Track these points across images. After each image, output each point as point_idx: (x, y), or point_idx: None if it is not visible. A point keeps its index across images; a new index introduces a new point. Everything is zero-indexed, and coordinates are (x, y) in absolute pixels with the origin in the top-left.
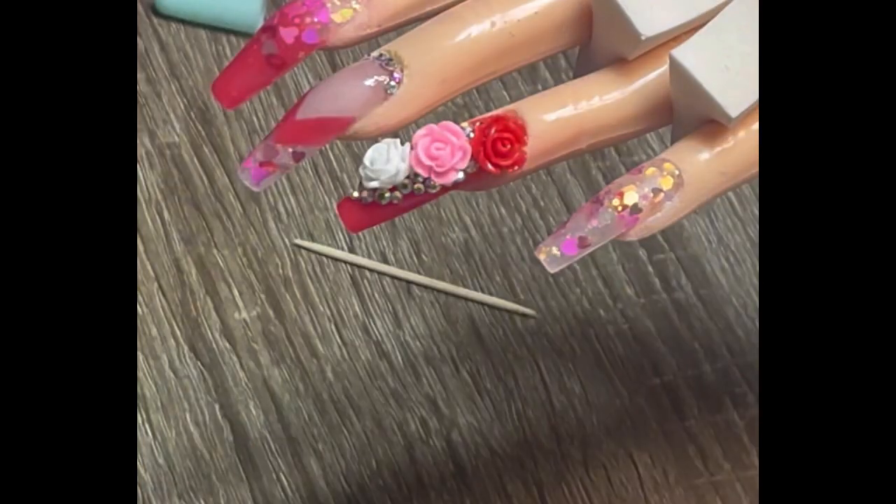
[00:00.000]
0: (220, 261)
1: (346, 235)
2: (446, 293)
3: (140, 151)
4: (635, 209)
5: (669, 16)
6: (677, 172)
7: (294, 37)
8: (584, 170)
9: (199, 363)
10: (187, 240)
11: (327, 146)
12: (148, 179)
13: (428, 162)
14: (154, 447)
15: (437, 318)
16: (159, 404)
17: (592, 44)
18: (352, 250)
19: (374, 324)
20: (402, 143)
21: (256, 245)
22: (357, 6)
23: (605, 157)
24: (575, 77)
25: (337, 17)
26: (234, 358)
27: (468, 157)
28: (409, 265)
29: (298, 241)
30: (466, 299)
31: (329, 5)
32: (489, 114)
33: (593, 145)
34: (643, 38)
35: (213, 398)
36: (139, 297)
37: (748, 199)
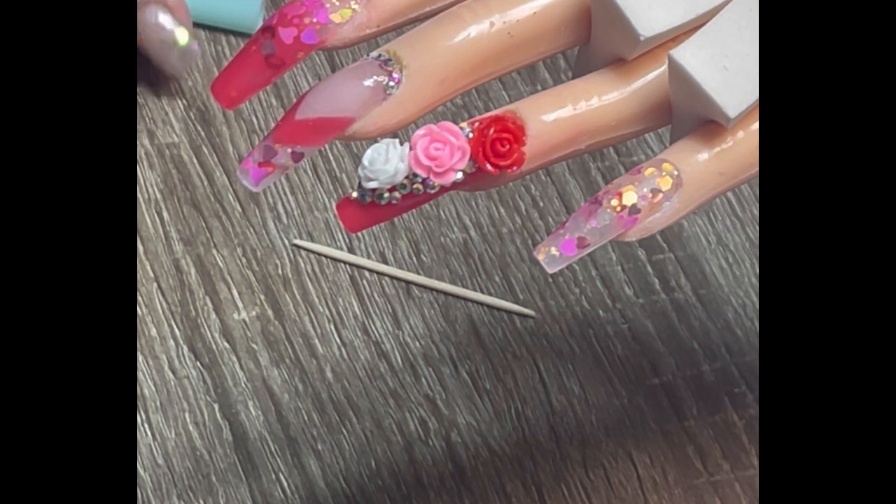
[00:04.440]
0: (219, 261)
1: (346, 236)
2: (445, 293)
3: (139, 152)
4: (634, 209)
5: (668, 16)
6: (676, 173)
7: (293, 37)
8: (583, 170)
9: (198, 363)
10: (187, 240)
11: (326, 146)
12: (147, 180)
13: (427, 162)
14: (153, 447)
15: (437, 319)
16: (158, 404)
17: (591, 44)
18: (351, 250)
19: (374, 324)
20: (401, 144)
21: (256, 245)
22: (356, 6)
23: (604, 158)
24: (574, 77)
25: (336, 18)
26: (234, 358)
27: (467, 157)
28: (408, 265)
29: (298, 242)
30: (466, 299)
31: (328, 5)
32: (488, 114)
33: (592, 145)
34: (642, 38)
35: (212, 398)
36: (139, 298)
37: (747, 199)
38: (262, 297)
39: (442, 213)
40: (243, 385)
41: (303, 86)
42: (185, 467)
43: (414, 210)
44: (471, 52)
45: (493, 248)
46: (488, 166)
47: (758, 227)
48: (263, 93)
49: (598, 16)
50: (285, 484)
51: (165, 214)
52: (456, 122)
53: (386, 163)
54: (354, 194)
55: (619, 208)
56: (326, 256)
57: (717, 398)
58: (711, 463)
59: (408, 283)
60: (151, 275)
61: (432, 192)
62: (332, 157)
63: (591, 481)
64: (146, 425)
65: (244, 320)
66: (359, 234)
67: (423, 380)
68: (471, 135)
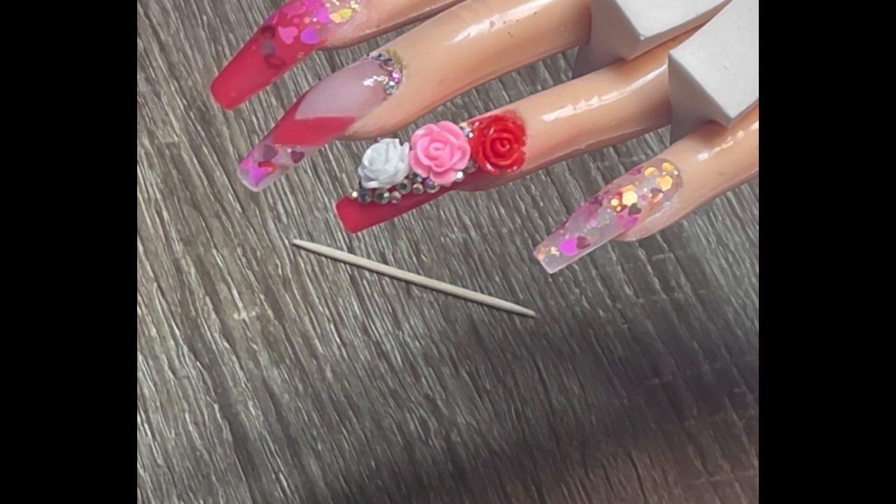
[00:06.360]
0: (219, 261)
1: (346, 235)
2: (445, 293)
3: (139, 152)
4: (634, 209)
5: (668, 16)
6: (676, 173)
7: (293, 37)
8: (583, 170)
9: (198, 363)
10: (186, 240)
11: (326, 146)
12: (147, 180)
13: (427, 162)
14: (153, 447)
15: (437, 319)
16: (158, 404)
17: (591, 44)
18: (351, 250)
19: (374, 324)
20: (401, 143)
21: (256, 245)
22: (356, 6)
23: (604, 158)
24: (574, 77)
25: (336, 17)
26: (234, 358)
27: (467, 157)
28: (408, 265)
29: (298, 242)
30: (466, 299)
31: (328, 5)
32: (488, 114)
33: (592, 145)
34: (642, 38)
35: (212, 398)
36: (139, 298)
37: (747, 199)
38: (262, 297)
39: (442, 213)
40: (243, 385)
41: (303, 86)
42: (185, 467)
43: (414, 210)
44: (471, 52)
45: (493, 248)
46: (488, 166)
47: (758, 227)
48: (263, 93)
49: (598, 16)
50: (285, 484)
51: (165, 214)
52: (456, 122)
53: (386, 163)
54: (354, 194)
55: (619, 208)
56: (326, 256)
57: (717, 398)
58: (711, 463)
59: (408, 283)
60: (151, 275)
61: (432, 191)
62: (332, 157)
63: (591, 481)
64: (146, 425)
65: (244, 320)
66: (359, 234)
67: (423, 380)
68: (471, 135)
